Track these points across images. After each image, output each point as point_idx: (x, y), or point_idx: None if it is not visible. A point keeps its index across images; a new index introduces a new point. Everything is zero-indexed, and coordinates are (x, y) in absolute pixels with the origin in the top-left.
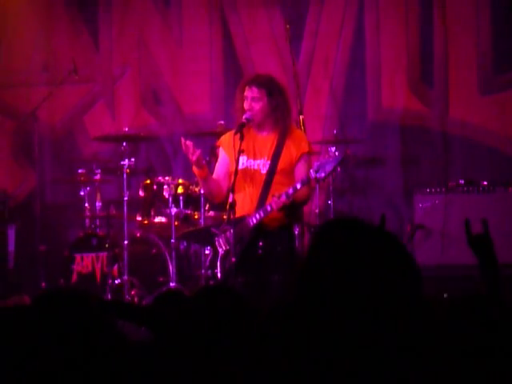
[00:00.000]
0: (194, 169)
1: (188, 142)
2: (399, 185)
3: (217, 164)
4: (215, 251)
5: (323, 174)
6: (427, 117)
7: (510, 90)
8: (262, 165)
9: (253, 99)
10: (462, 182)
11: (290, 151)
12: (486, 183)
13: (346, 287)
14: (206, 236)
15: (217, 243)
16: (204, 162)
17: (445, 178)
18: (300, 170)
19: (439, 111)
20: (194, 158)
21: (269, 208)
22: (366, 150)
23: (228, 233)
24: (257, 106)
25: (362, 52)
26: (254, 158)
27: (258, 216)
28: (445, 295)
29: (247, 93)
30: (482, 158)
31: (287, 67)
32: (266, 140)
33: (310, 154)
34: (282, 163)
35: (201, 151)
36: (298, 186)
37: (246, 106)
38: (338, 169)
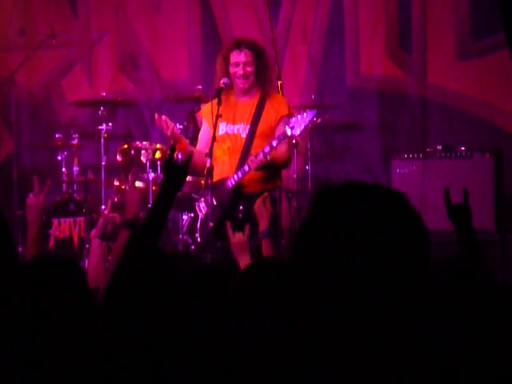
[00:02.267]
0: (172, 142)
1: (163, 117)
2: (377, 150)
3: (200, 134)
4: (196, 217)
5: (298, 131)
6: (405, 83)
7: (488, 55)
8: (241, 129)
9: (246, 64)
10: (439, 147)
11: (270, 115)
12: (463, 149)
13: (350, 249)
14: (185, 202)
15: (197, 208)
16: (180, 134)
17: (422, 144)
18: (279, 132)
19: (417, 77)
20: (168, 133)
21: (246, 168)
22: (344, 115)
23: (208, 197)
24: (250, 70)
25: (340, 18)
26: (234, 123)
27: (236, 177)
28: None
29: (238, 58)
30: (460, 123)
31: (265, 33)
32: (247, 105)
33: (289, 116)
34: (261, 127)
35: (175, 126)
36: (274, 143)
37: (238, 71)
38: (310, 125)
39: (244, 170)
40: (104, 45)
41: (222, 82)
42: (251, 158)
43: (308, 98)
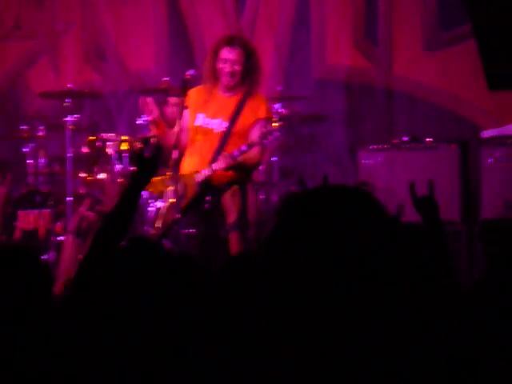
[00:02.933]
0: (151, 127)
1: (149, 99)
2: (343, 141)
3: (183, 120)
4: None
5: (265, 141)
6: (372, 74)
7: (455, 46)
8: (217, 124)
9: (235, 62)
10: (405, 138)
11: (248, 115)
12: (429, 140)
13: (323, 251)
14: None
15: (164, 196)
16: (160, 119)
17: (389, 135)
18: (253, 134)
19: (384, 68)
20: (151, 118)
21: (215, 166)
22: (311, 106)
23: (175, 187)
24: (238, 69)
25: (306, 9)
26: (212, 117)
27: (204, 173)
28: None
29: (228, 55)
30: (426, 115)
31: (231, 24)
32: (228, 101)
33: (268, 119)
34: (238, 125)
35: (158, 111)
36: (243, 148)
37: (226, 68)
38: (280, 138)
39: (212, 168)
40: (70, 36)
41: (188, 73)
42: (220, 157)
43: (274, 89)
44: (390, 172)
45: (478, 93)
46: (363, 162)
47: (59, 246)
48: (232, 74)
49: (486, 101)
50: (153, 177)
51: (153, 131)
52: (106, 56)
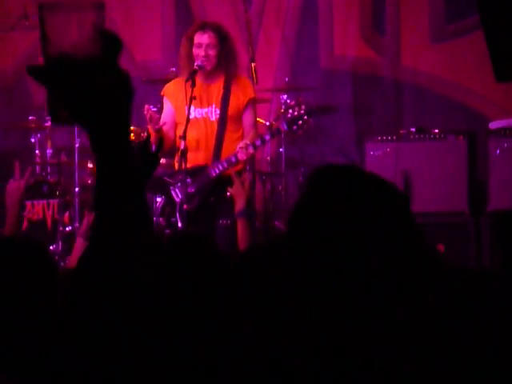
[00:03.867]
0: (151, 131)
1: (151, 110)
2: (351, 132)
3: (163, 115)
4: (170, 200)
5: (295, 127)
6: (379, 65)
7: (462, 37)
8: (210, 112)
9: (208, 46)
10: (413, 129)
11: (238, 97)
12: (437, 131)
13: (341, 234)
14: (159, 185)
15: (173, 193)
16: (161, 125)
17: (396, 126)
18: (248, 117)
19: (391, 59)
20: (156, 127)
21: (233, 159)
22: (318, 97)
23: (186, 182)
24: (212, 53)
25: (313, 0)
26: (202, 107)
27: (220, 167)
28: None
29: (201, 39)
30: (434, 105)
31: (239, 15)
32: (213, 88)
33: (255, 99)
34: (230, 110)
35: (159, 118)
36: (267, 138)
37: (200, 52)
38: (311, 121)
39: (230, 161)
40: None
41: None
42: (241, 150)
43: (282, 80)
44: (397, 163)
45: (486, 84)
46: (371, 153)
47: (66, 237)
48: (206, 57)
49: (494, 92)
50: (153, 171)
51: (152, 134)
52: None
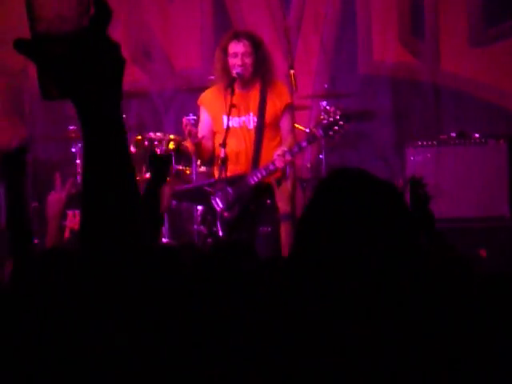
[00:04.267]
0: (190, 144)
1: (192, 130)
2: (391, 138)
3: (200, 124)
4: (211, 209)
5: (331, 133)
6: (418, 70)
7: (501, 41)
8: (247, 121)
9: (244, 54)
10: (453, 134)
11: (275, 104)
12: (477, 136)
13: (346, 237)
14: (199, 195)
15: (213, 202)
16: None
17: (436, 131)
18: (285, 123)
19: (430, 64)
20: (195, 141)
21: (271, 167)
22: (357, 103)
23: (225, 192)
24: (249, 61)
25: (352, 6)
26: (239, 116)
27: (259, 175)
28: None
29: (236, 48)
30: (474, 110)
31: (278, 22)
32: (249, 96)
33: (292, 105)
34: (268, 117)
35: (196, 131)
36: (304, 145)
37: (237, 61)
38: (346, 126)
39: (269, 169)
40: (116, 36)
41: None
42: (279, 158)
43: (321, 86)
44: (438, 168)
45: None
46: (411, 158)
47: None
48: (244, 65)
49: None
50: (167, 175)
51: (189, 147)
52: (152, 55)
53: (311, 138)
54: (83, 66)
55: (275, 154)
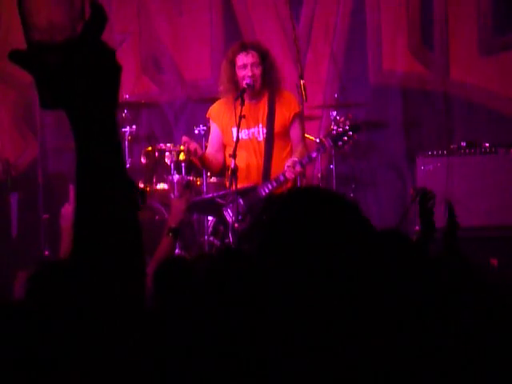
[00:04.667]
0: (195, 160)
1: (192, 147)
2: (401, 148)
3: (210, 137)
4: (223, 221)
5: (340, 143)
6: (428, 79)
7: (511, 50)
8: (257, 132)
9: (253, 65)
10: (463, 144)
11: (283, 114)
12: (487, 145)
13: (307, 255)
14: (211, 206)
15: (225, 213)
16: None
17: (447, 141)
18: (295, 132)
19: (440, 73)
20: (197, 157)
21: (282, 178)
22: (368, 113)
23: (237, 202)
24: (258, 72)
25: (362, 15)
26: (248, 127)
27: (270, 186)
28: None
29: (245, 60)
30: (484, 119)
31: (287, 32)
32: (258, 107)
33: (301, 113)
34: (277, 127)
35: (198, 147)
36: (314, 155)
37: (247, 72)
38: (356, 136)
39: (279, 180)
40: (126, 47)
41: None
42: (289, 169)
43: (331, 96)
44: (449, 178)
45: None
46: (421, 168)
47: None
48: (254, 76)
49: None
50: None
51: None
52: (162, 66)
53: (321, 148)
54: (78, 75)
55: (286, 165)
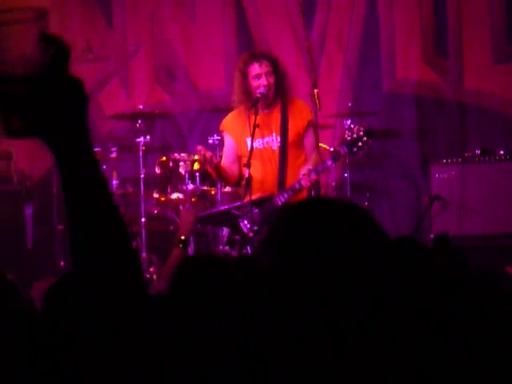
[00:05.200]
0: (210, 170)
1: (207, 156)
2: (415, 156)
3: (224, 149)
4: (240, 233)
5: (355, 149)
6: (442, 87)
7: None
8: (271, 141)
9: (267, 74)
10: (478, 151)
11: (297, 122)
12: (502, 152)
13: (318, 266)
14: (226, 218)
15: (241, 224)
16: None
17: (461, 149)
18: (309, 140)
19: (454, 81)
20: (212, 166)
21: (297, 186)
22: (382, 121)
23: (253, 214)
24: (272, 80)
25: (375, 24)
26: (262, 137)
27: (286, 195)
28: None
29: (259, 70)
30: (498, 127)
31: (301, 42)
32: (271, 116)
33: (314, 121)
34: (291, 136)
35: (213, 156)
36: (329, 163)
37: (262, 82)
38: (370, 141)
39: (295, 188)
40: (140, 57)
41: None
42: (304, 177)
43: (345, 105)
44: (463, 186)
45: None
46: (436, 176)
47: None
48: (269, 86)
49: None
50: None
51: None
52: (176, 76)
53: (336, 156)
54: (46, 105)
55: (300, 173)
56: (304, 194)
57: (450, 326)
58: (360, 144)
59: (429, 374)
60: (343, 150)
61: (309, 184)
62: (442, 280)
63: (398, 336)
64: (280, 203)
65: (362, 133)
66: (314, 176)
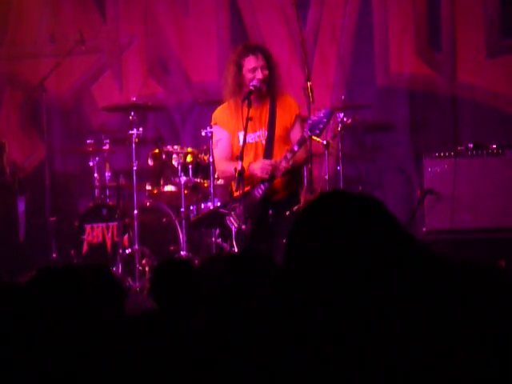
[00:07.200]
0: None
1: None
2: (408, 149)
3: (219, 143)
4: (228, 230)
5: (317, 131)
6: (435, 81)
7: None
8: (261, 136)
9: (262, 67)
10: (470, 145)
11: (284, 117)
12: (494, 146)
13: (333, 260)
14: (216, 218)
15: (228, 222)
16: None
17: (454, 142)
18: (296, 134)
19: (447, 75)
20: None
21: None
22: (375, 115)
23: (238, 209)
24: (267, 73)
25: (368, 18)
26: (254, 131)
27: (262, 186)
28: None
29: (255, 63)
30: (491, 121)
31: (294, 35)
32: (261, 110)
33: (301, 116)
34: (278, 130)
35: None
36: (296, 148)
37: (257, 75)
38: (329, 121)
39: (266, 179)
40: (133, 49)
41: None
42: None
43: (338, 98)
44: (456, 179)
45: None
46: (428, 169)
47: (126, 259)
48: (264, 80)
49: None
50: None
51: None
52: (169, 68)
53: (301, 141)
54: None
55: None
56: (278, 182)
57: (450, 326)
58: (321, 126)
59: (429, 374)
60: (306, 133)
61: (280, 173)
62: (441, 277)
63: (399, 336)
64: (259, 195)
65: (322, 114)
66: (284, 164)
